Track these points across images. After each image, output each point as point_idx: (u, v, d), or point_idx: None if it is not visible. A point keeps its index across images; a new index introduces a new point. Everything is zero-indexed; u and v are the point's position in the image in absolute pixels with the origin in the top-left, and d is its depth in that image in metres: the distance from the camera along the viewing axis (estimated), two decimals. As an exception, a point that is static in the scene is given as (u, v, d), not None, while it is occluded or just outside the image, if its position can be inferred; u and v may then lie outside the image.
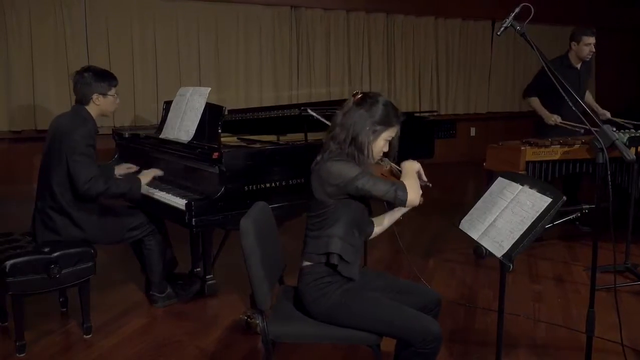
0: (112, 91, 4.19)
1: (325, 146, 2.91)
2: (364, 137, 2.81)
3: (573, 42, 6.03)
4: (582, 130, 5.79)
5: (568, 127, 5.87)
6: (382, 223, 3.19)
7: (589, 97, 6.52)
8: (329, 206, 2.83)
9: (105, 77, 4.16)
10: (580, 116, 5.12)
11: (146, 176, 4.35)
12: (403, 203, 2.79)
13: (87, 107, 4.12)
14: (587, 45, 5.96)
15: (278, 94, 9.67)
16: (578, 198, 6.49)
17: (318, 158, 2.90)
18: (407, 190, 2.78)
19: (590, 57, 6.05)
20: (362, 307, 2.78)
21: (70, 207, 4.03)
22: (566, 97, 3.06)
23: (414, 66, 10.99)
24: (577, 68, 6.10)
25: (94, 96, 4.10)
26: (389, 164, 3.07)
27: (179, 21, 8.79)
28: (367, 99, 2.86)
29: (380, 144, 2.88)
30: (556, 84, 3.04)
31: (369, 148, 2.84)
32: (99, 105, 4.13)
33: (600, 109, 6.36)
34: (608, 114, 6.25)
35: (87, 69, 4.17)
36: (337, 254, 2.81)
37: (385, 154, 3.01)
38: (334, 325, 2.81)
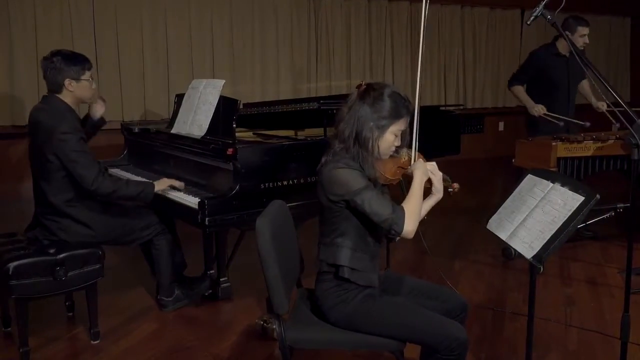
0: (86, 75, 4.06)
1: (330, 144, 2.87)
2: (367, 133, 2.75)
3: (567, 32, 5.82)
4: (562, 123, 5.81)
5: (552, 119, 5.90)
6: None
7: (585, 85, 6.48)
8: (335, 212, 2.81)
9: (77, 60, 4.04)
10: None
11: (162, 184, 4.26)
12: (397, 234, 2.71)
13: (60, 96, 4.02)
14: (582, 36, 5.87)
15: (296, 87, 9.67)
16: None
17: (323, 160, 2.86)
18: (406, 220, 2.68)
19: (583, 48, 5.92)
20: (384, 312, 2.78)
21: (69, 207, 4.01)
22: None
23: (439, 57, 10.96)
24: (565, 56, 6.02)
25: (66, 82, 3.98)
26: (406, 155, 2.98)
27: (192, 10, 8.81)
28: (370, 92, 2.79)
29: (389, 138, 2.81)
30: (589, 73, 3.01)
31: (373, 144, 2.77)
32: (73, 91, 4.02)
33: (595, 100, 6.33)
34: (603, 107, 6.19)
35: (57, 52, 4.02)
36: (347, 267, 2.80)
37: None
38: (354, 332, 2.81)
